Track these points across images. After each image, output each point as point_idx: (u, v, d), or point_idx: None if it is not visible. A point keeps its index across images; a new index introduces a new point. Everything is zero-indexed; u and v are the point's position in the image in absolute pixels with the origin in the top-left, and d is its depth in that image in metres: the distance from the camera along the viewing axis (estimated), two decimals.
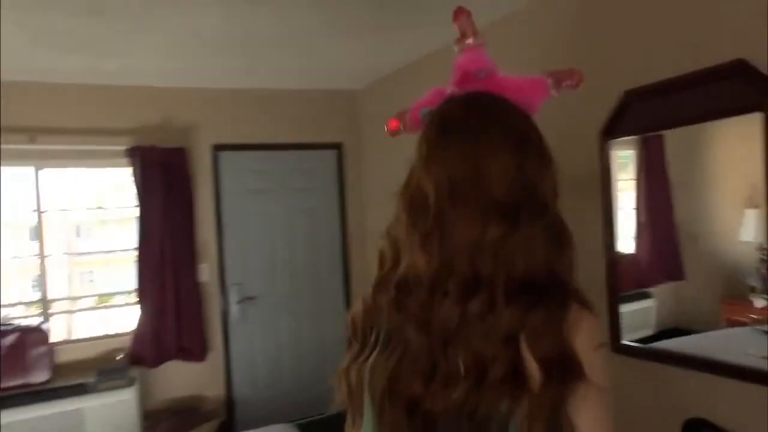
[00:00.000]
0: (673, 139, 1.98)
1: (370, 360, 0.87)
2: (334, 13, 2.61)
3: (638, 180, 2.09)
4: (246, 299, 3.95)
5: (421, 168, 0.86)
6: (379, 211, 4.04)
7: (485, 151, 0.81)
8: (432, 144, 0.86)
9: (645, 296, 2.09)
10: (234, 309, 3.92)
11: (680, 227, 2.02)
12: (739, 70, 1.68)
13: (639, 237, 2.14)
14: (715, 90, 1.76)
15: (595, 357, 0.78)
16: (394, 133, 1.11)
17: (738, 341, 1.82)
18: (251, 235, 3.98)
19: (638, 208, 2.14)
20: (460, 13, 1.02)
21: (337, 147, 4.23)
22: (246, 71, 3.54)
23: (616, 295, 2.12)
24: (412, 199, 0.85)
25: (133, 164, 3.52)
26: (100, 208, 4.65)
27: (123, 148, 3.50)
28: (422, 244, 0.81)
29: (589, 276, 1.89)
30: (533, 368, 0.75)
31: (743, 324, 1.80)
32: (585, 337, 0.77)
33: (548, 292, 0.77)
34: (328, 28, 2.81)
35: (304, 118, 4.10)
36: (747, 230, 1.74)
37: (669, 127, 1.97)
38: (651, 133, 2.07)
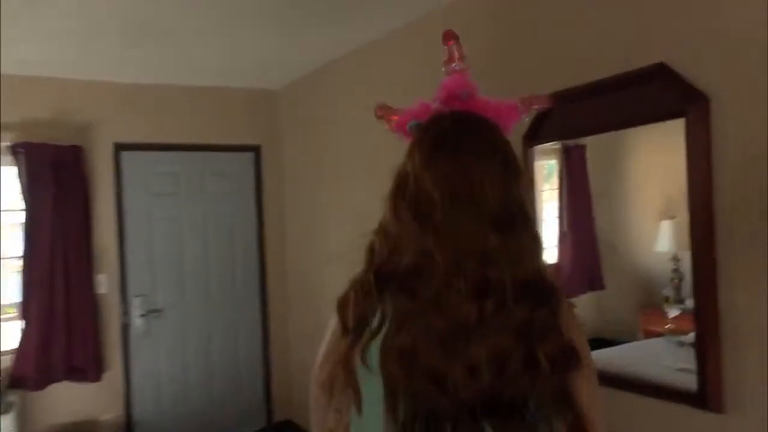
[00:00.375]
0: (595, 148, 1.99)
1: (377, 342, 0.92)
2: (247, 4, 2.43)
3: (560, 190, 2.09)
4: (151, 312, 3.63)
5: (422, 176, 0.94)
6: (299, 217, 3.88)
7: (480, 168, 0.93)
8: (429, 155, 0.95)
9: None
10: (137, 323, 3.59)
11: (601, 237, 2.03)
12: (661, 74, 1.63)
13: (561, 247, 2.13)
14: (638, 95, 1.71)
15: (585, 341, 0.98)
16: (380, 119, 1.17)
17: (654, 353, 1.83)
18: (158, 243, 3.68)
19: (560, 218, 2.12)
20: (449, 36, 1.14)
21: (254, 149, 4.00)
22: (155, 64, 3.26)
23: None
24: (417, 202, 0.93)
25: (18, 163, 3.14)
26: None
27: (7, 144, 3.12)
28: (434, 243, 0.89)
29: None
30: (542, 359, 0.87)
31: (659, 334, 1.84)
32: (576, 326, 0.96)
33: (544, 291, 0.91)
34: (241, 19, 2.61)
35: (219, 117, 3.85)
36: (662, 241, 1.78)
37: (591, 133, 1.92)
38: (573, 140, 2.03)
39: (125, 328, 3.56)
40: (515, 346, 0.87)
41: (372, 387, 0.92)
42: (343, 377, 0.96)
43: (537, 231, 0.96)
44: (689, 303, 1.70)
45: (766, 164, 1.46)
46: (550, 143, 2.07)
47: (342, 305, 0.99)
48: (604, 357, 1.89)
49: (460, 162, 0.93)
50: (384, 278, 0.93)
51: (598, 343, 1.95)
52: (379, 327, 0.92)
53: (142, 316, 3.60)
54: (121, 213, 3.55)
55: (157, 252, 3.67)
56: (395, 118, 1.11)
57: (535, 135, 2.03)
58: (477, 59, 2.33)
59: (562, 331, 0.90)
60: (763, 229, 1.46)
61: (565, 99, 1.92)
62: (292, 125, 3.92)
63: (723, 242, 1.53)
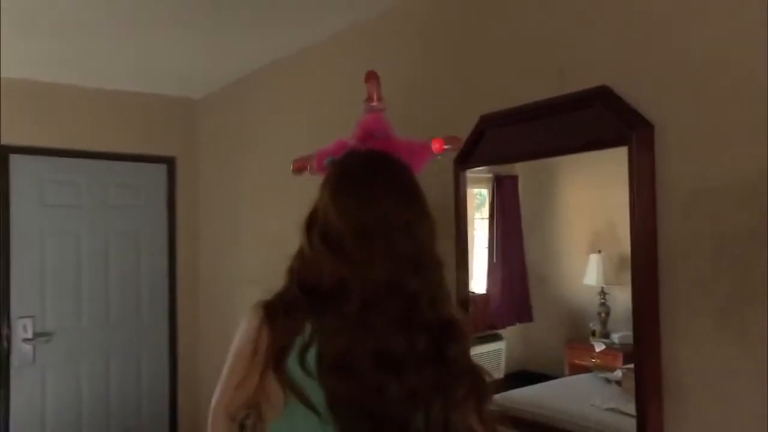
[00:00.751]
0: (527, 179, 1.97)
1: (312, 352, 0.95)
2: (161, 5, 2.21)
3: (491, 220, 2.06)
4: (39, 336, 3.22)
5: (329, 209, 1.00)
6: (213, 238, 3.62)
7: (386, 206, 0.98)
8: (336, 189, 1.02)
9: (496, 338, 2.06)
10: (20, 348, 3.17)
11: (531, 269, 2.01)
12: (602, 97, 1.54)
13: (491, 277, 2.08)
14: (577, 120, 1.62)
15: None
16: (298, 173, 1.31)
17: (582, 390, 1.79)
18: (50, 259, 3.28)
19: (490, 248, 2.07)
20: (371, 76, 1.22)
21: (168, 161, 3.70)
22: (55, 60, 2.93)
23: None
24: (326, 233, 0.99)
25: None
26: None
27: None
28: (349, 272, 0.95)
29: None
30: (461, 392, 1.00)
31: (586, 368, 1.80)
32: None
33: (461, 331, 1.01)
34: (157, 18, 2.38)
35: (129, 124, 3.53)
36: (590, 274, 1.77)
37: (526, 158, 1.83)
38: (507, 166, 1.98)
39: (5, 355, 3.13)
40: (449, 379, 0.96)
41: (312, 392, 0.95)
42: (276, 388, 0.96)
43: (443, 273, 1.04)
44: (615, 338, 1.70)
45: (713, 202, 1.35)
46: (482, 171, 2.00)
47: (271, 313, 1.00)
48: (530, 394, 1.86)
49: (365, 198, 1.00)
50: (309, 294, 0.98)
51: (525, 376, 1.95)
52: (311, 339, 0.95)
53: (28, 340, 3.19)
54: (6, 224, 3.14)
55: (50, 269, 3.28)
56: (314, 161, 1.19)
57: (467, 160, 1.93)
58: (403, 78, 2.24)
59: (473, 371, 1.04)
60: (709, 276, 1.36)
61: (498, 122, 1.84)
62: (212, 138, 3.66)
63: (666, 287, 1.43)
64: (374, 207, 0.98)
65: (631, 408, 1.47)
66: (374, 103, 1.19)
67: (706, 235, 1.37)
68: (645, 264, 1.44)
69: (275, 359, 0.96)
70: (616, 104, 1.51)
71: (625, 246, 1.59)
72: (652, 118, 1.46)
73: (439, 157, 1.21)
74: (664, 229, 1.44)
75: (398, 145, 1.14)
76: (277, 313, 0.99)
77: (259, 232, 3.11)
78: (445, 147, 1.22)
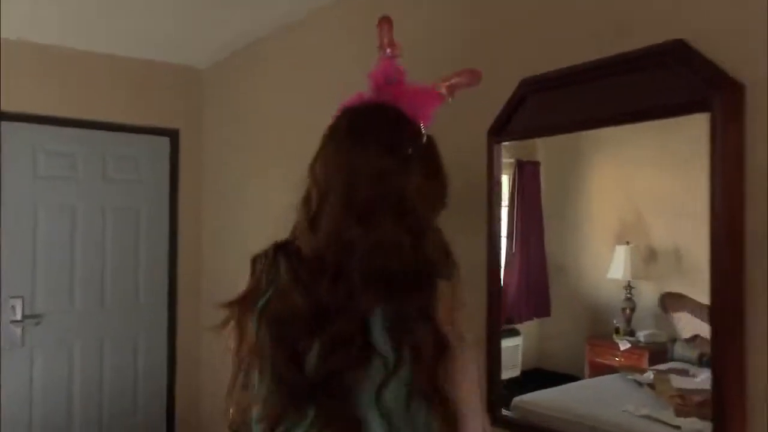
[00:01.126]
0: (550, 164, 1.84)
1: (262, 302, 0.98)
2: None
3: (511, 208, 1.92)
4: (28, 318, 3.06)
5: (313, 166, 1.01)
6: (218, 215, 3.37)
7: (359, 158, 0.95)
8: (321, 146, 1.02)
9: (513, 333, 1.93)
10: (8, 330, 3.01)
11: (551, 261, 1.85)
12: (678, 54, 1.23)
13: (508, 269, 1.90)
14: (643, 82, 1.33)
15: (461, 330, 0.99)
16: None
17: (611, 394, 1.64)
18: (42, 234, 3.10)
19: (509, 239, 1.89)
20: (382, 22, 1.15)
21: (172, 134, 3.48)
22: (52, 20, 2.72)
23: (498, 331, 1.82)
24: (306, 191, 1.01)
25: None
26: None
27: None
28: (303, 231, 0.97)
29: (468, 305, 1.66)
30: (406, 351, 0.90)
31: (607, 367, 1.70)
32: (453, 311, 0.96)
33: (416, 283, 0.92)
34: None
35: (130, 93, 3.31)
36: (616, 267, 1.66)
37: (575, 129, 1.57)
38: (527, 148, 1.78)
39: None
40: (356, 334, 0.89)
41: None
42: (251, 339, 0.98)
43: (423, 223, 0.96)
44: (641, 335, 1.61)
45: None
46: (504, 156, 1.76)
47: (252, 263, 1.02)
48: (552, 396, 1.73)
49: (341, 152, 0.97)
50: (280, 252, 0.99)
51: (539, 375, 1.86)
52: (266, 293, 0.97)
53: (17, 322, 3.02)
54: None
55: (42, 246, 3.10)
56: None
57: (502, 131, 1.67)
58: (423, 36, 1.91)
59: (431, 322, 0.90)
60: None
61: (542, 86, 1.58)
62: (217, 110, 3.42)
63: (755, 288, 1.12)
64: (349, 160, 0.96)
65: (667, 416, 1.38)
66: (386, 51, 1.11)
67: None
68: (728, 261, 1.15)
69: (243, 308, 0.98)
70: (694, 60, 1.20)
71: (655, 237, 1.55)
72: (742, 76, 1.13)
73: (450, 99, 1.10)
74: (753, 219, 1.12)
75: (407, 93, 1.06)
76: (256, 274, 1.01)
77: (264, 209, 2.86)
78: (453, 82, 1.11)
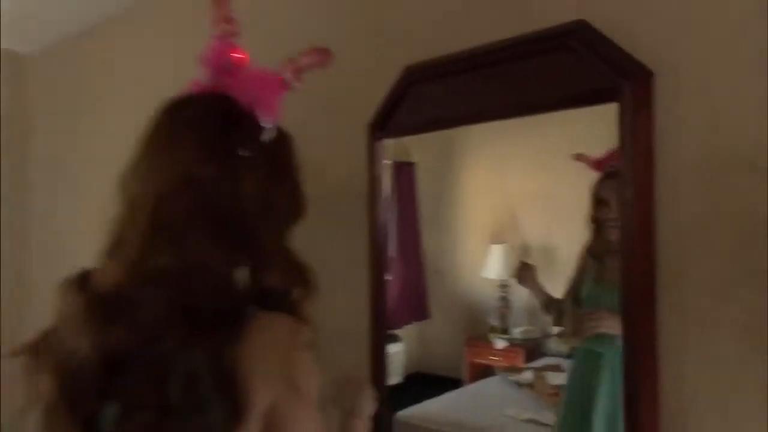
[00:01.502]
0: (425, 165, 1.80)
1: None
2: None
3: (389, 210, 1.85)
4: None
5: (119, 181, 0.85)
6: (48, 208, 2.99)
7: (164, 162, 0.78)
8: (133, 153, 0.83)
9: (394, 339, 1.92)
10: None
11: (429, 263, 1.84)
12: (581, 37, 1.13)
13: (389, 273, 1.87)
14: (543, 68, 1.22)
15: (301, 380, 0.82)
16: None
17: (493, 398, 1.64)
18: None
19: (389, 242, 1.83)
20: None
21: None
22: None
23: (383, 336, 1.68)
24: (115, 214, 0.83)
25: None
26: None
27: None
28: (103, 260, 0.82)
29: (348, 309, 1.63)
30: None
31: (486, 366, 1.70)
32: (293, 359, 0.78)
33: (220, 319, 0.73)
34: None
35: None
36: (491, 267, 1.67)
37: (467, 122, 1.41)
38: (401, 149, 1.66)
39: None
40: (151, 393, 0.71)
41: None
42: None
43: (262, 240, 0.79)
44: (516, 332, 1.62)
45: (736, 176, 1.00)
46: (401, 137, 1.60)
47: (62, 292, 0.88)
48: (434, 408, 1.69)
49: (154, 156, 0.80)
50: (73, 286, 0.83)
51: (421, 379, 1.84)
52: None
53: None
54: None
55: None
56: None
57: (384, 125, 1.49)
58: (295, 19, 1.70)
59: (225, 377, 0.70)
60: (729, 277, 1.00)
61: (429, 74, 1.40)
62: (47, 97, 3.05)
63: (666, 288, 1.08)
64: (139, 164, 0.80)
65: (550, 418, 1.36)
66: (223, 27, 0.90)
67: (725, 219, 1.01)
68: (639, 257, 1.08)
69: None
70: (598, 45, 1.12)
71: (527, 235, 1.54)
72: (651, 63, 1.08)
73: (297, 84, 0.91)
74: (664, 212, 1.08)
75: (244, 80, 0.87)
76: None
77: (96, 213, 2.51)
78: (299, 64, 0.90)
